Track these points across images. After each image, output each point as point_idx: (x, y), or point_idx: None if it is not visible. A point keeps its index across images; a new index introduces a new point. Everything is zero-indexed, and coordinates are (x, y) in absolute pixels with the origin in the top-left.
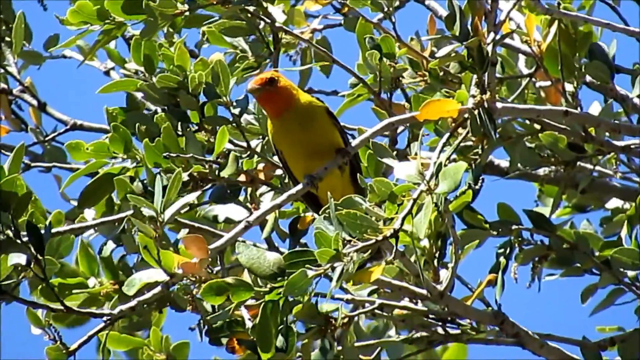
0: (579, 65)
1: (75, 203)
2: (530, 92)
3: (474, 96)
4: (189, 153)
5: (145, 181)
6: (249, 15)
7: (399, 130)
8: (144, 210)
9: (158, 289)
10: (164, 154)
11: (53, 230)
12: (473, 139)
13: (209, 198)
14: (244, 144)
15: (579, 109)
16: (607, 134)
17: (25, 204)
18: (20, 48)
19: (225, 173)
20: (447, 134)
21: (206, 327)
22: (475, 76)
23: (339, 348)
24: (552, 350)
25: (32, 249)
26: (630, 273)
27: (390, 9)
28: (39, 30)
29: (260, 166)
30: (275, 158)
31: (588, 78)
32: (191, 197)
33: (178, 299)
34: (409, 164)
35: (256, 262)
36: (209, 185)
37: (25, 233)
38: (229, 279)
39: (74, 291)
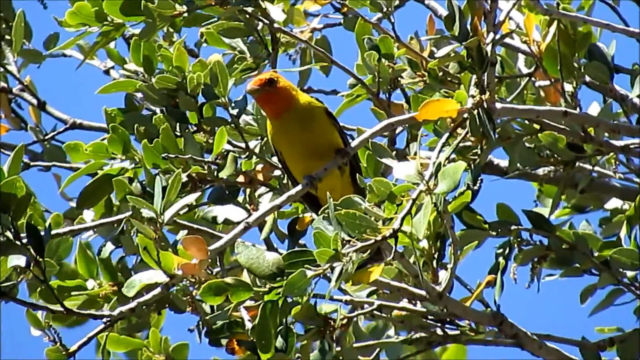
0: (578, 65)
1: (74, 202)
2: (529, 92)
3: (473, 96)
4: (187, 154)
5: (144, 182)
6: (247, 16)
7: (397, 131)
8: (144, 212)
9: (158, 290)
10: (163, 155)
11: (52, 232)
12: (472, 139)
13: (207, 199)
14: (243, 145)
15: (578, 109)
16: (606, 134)
17: (25, 205)
18: (20, 46)
19: (224, 174)
20: (446, 134)
21: (205, 328)
22: (474, 76)
23: (338, 349)
24: (551, 351)
25: (32, 251)
26: (630, 273)
27: (390, 9)
28: (39, 28)
29: (259, 167)
30: (275, 159)
31: (587, 78)
32: (191, 198)
33: (177, 300)
34: (408, 164)
35: (255, 262)
36: (208, 186)
37: (25, 235)
38: (228, 279)
39: (73, 293)
